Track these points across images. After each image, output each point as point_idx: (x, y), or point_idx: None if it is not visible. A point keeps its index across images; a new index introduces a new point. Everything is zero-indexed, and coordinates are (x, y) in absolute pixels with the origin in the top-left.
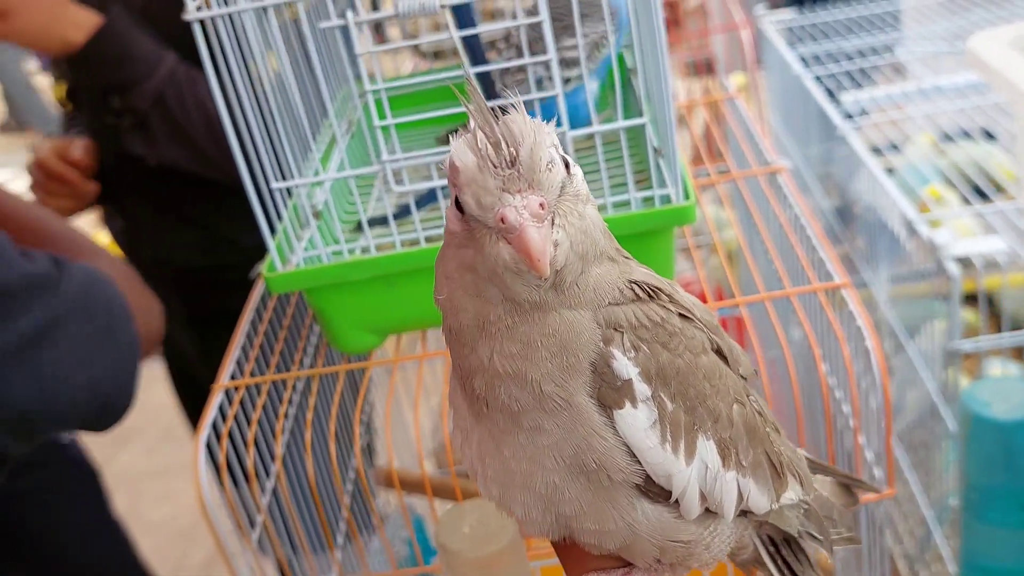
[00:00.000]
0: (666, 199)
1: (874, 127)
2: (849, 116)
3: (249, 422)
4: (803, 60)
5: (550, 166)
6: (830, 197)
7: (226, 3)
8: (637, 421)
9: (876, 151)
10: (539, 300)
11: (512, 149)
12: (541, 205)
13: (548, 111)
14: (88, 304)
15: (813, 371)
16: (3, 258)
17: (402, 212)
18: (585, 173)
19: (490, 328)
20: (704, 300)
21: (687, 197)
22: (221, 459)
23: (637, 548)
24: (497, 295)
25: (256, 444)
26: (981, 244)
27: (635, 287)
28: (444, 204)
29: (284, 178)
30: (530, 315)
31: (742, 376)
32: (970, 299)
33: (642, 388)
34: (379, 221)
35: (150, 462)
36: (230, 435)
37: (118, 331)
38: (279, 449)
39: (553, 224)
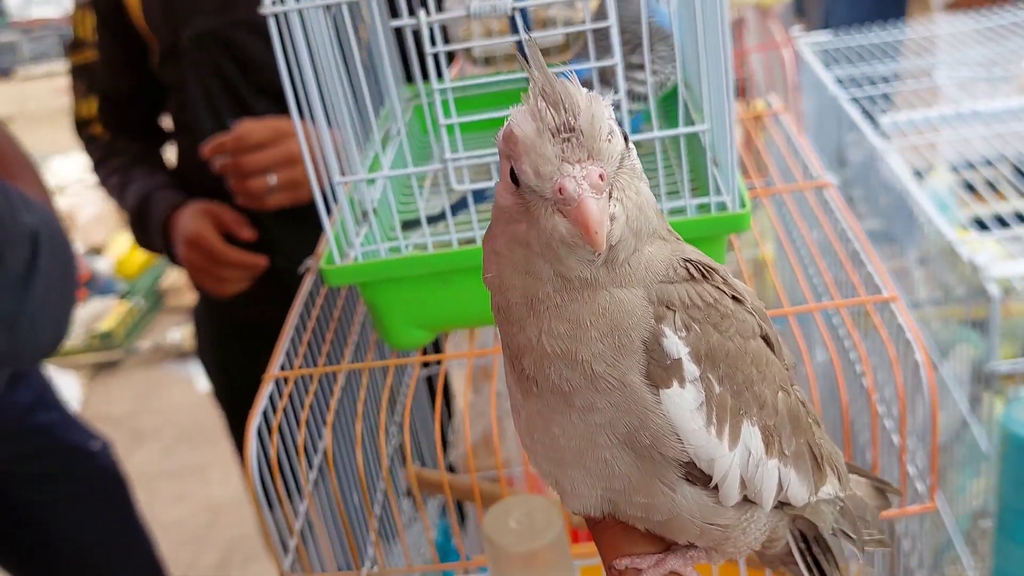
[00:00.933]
0: (721, 206)
1: (912, 149)
2: (886, 137)
3: (297, 413)
4: (839, 81)
5: (610, 136)
6: (863, 218)
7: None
8: (684, 402)
9: (916, 174)
10: (590, 277)
11: (571, 116)
12: (601, 176)
13: None
14: (56, 249)
15: (851, 383)
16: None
17: (455, 208)
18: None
19: (539, 306)
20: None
21: (742, 205)
22: (272, 450)
23: (678, 525)
24: (548, 271)
25: (289, 439)
26: (1022, 266)
27: (689, 266)
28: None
29: (343, 174)
30: (580, 293)
31: (786, 366)
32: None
33: (691, 368)
34: (432, 219)
35: (165, 463)
36: (279, 426)
37: (72, 272)
38: (330, 439)
39: (611, 197)
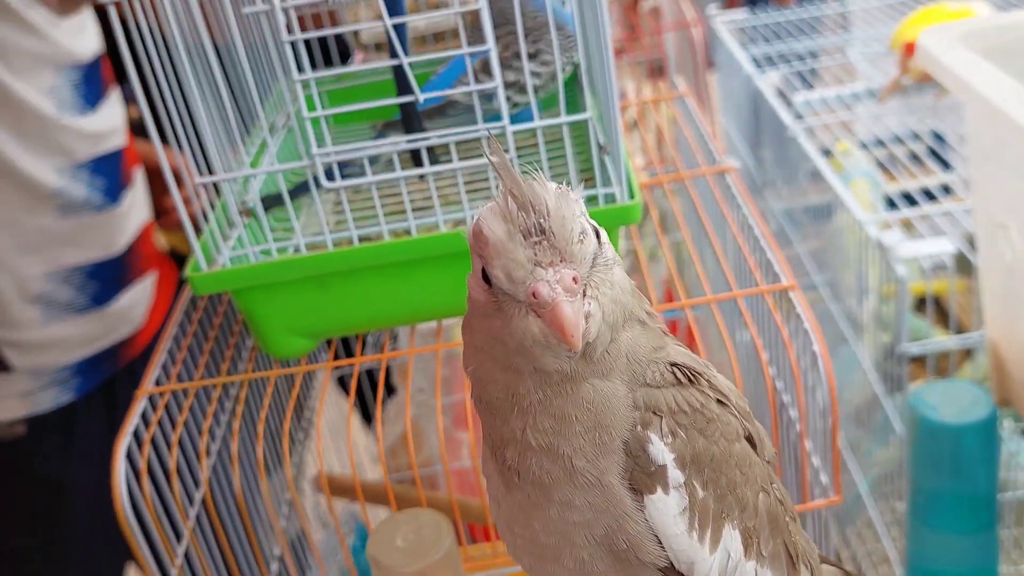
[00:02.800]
0: (610, 198)
1: (825, 128)
2: (800, 116)
3: (175, 428)
4: (755, 61)
5: (582, 237)
6: (781, 199)
7: None
8: (667, 507)
9: (828, 153)
10: (570, 371)
11: (542, 218)
12: (574, 279)
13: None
14: None
15: (760, 375)
16: None
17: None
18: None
19: (522, 401)
20: (651, 302)
21: (632, 196)
22: (142, 467)
23: None
24: (527, 366)
25: (184, 453)
26: (929, 246)
27: (676, 370)
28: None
29: (211, 173)
30: (562, 387)
31: (768, 461)
32: (918, 304)
33: (676, 475)
34: (294, 192)
35: None
36: (154, 444)
37: None
38: (203, 459)
39: (585, 295)
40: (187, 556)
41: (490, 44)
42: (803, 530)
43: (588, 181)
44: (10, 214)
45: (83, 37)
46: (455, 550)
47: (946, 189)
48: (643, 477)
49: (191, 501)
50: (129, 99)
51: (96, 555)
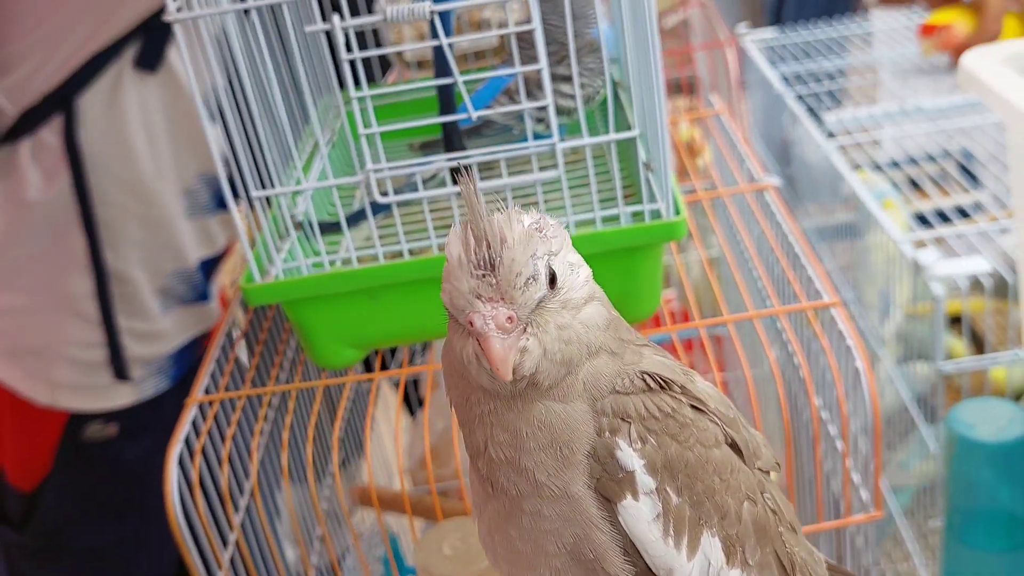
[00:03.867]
0: (656, 214)
1: (857, 147)
2: (831, 135)
3: (224, 439)
4: (784, 79)
5: (529, 282)
6: (809, 217)
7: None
8: (640, 514)
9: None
10: (516, 392)
11: (493, 255)
12: (509, 319)
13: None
14: None
15: (797, 391)
16: None
17: (375, 209)
18: (574, 187)
19: (480, 412)
20: (687, 318)
21: (677, 213)
22: (194, 476)
23: None
24: (473, 381)
25: (230, 461)
26: (966, 265)
27: (646, 377)
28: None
29: (264, 187)
30: (513, 403)
31: (763, 470)
32: (952, 322)
33: (646, 480)
34: (352, 219)
35: None
36: (203, 452)
37: None
38: (254, 466)
39: (525, 331)
40: (232, 562)
41: (543, 63)
42: (807, 543)
43: (631, 197)
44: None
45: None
46: None
47: (977, 207)
48: (612, 484)
49: (236, 508)
50: None
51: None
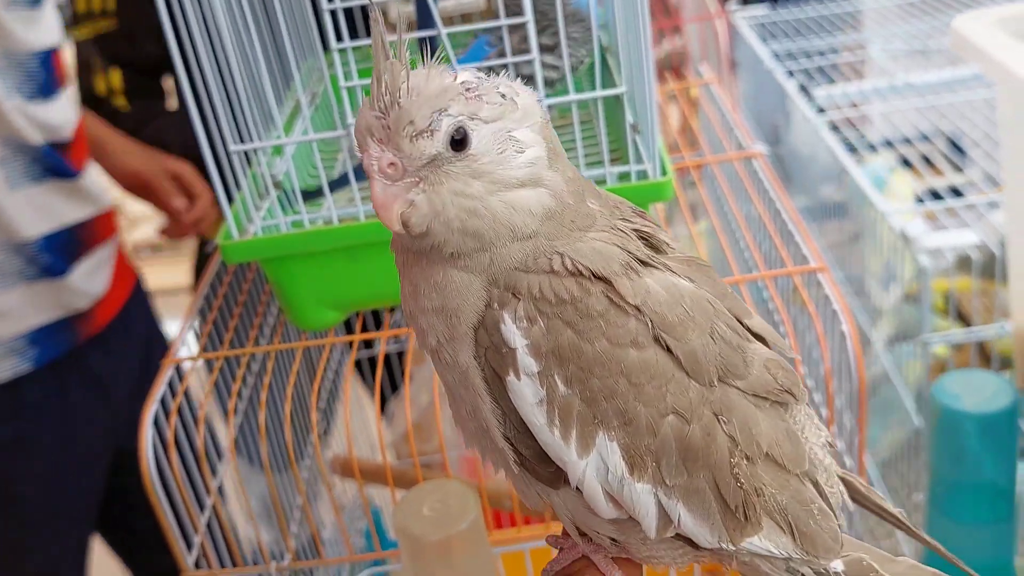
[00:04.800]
0: (642, 175)
1: (846, 123)
2: (821, 110)
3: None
4: (776, 56)
5: (421, 135)
6: (801, 194)
7: None
8: (523, 394)
9: (851, 148)
10: (421, 249)
11: (390, 101)
12: (391, 164)
13: None
14: None
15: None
16: None
17: (359, 174)
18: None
19: (401, 263)
20: None
21: (664, 173)
22: (169, 437)
23: (562, 520)
24: None
25: (208, 424)
26: (953, 238)
27: (557, 258)
28: None
29: (244, 143)
30: (418, 260)
31: (758, 395)
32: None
33: (528, 362)
34: (335, 184)
35: None
36: (180, 413)
37: None
38: (231, 430)
39: (419, 184)
40: (209, 526)
41: (528, 16)
42: (811, 489)
43: (618, 160)
44: None
45: (37, 28)
46: (481, 520)
47: (969, 185)
48: (497, 357)
49: (214, 472)
50: (167, 68)
51: (54, 526)
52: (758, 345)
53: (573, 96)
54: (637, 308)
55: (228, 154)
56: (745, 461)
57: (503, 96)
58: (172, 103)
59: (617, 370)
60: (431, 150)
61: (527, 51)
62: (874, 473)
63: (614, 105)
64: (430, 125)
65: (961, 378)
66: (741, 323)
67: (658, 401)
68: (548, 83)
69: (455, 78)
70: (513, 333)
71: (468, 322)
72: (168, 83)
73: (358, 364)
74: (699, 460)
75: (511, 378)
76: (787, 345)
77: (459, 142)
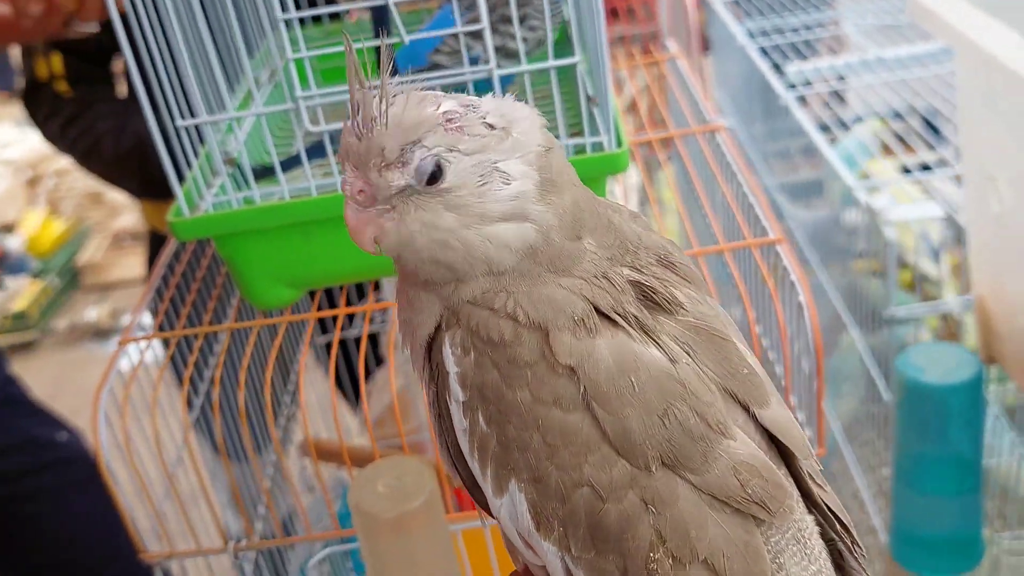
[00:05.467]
0: (598, 147)
1: (816, 97)
2: (792, 86)
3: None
4: (749, 34)
5: (389, 166)
6: (774, 174)
7: None
8: (455, 417)
9: (824, 128)
10: (401, 268)
11: (364, 130)
12: (360, 191)
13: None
14: None
15: (746, 335)
16: None
17: (311, 153)
18: None
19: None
20: None
21: (619, 145)
22: (123, 419)
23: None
24: None
25: (160, 405)
26: (918, 210)
27: (504, 297)
28: None
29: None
30: (403, 275)
31: (706, 492)
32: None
33: (456, 390)
34: (287, 164)
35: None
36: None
37: None
38: (183, 407)
39: (393, 211)
40: (165, 508)
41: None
42: None
43: (576, 136)
44: None
45: None
46: (437, 497)
47: (941, 163)
48: (440, 376)
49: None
50: (110, 53)
51: None
52: (741, 444)
53: (526, 67)
54: (570, 368)
55: (176, 130)
56: (670, 560)
57: (490, 126)
58: (123, 90)
59: (534, 425)
60: (400, 181)
61: (495, 27)
62: (841, 440)
63: (571, 82)
64: (400, 157)
65: (926, 350)
66: (748, 411)
67: (573, 469)
68: (513, 54)
69: (438, 106)
70: (449, 358)
71: (424, 338)
72: (118, 67)
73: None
74: (610, 542)
75: (447, 399)
76: (807, 447)
77: (432, 175)
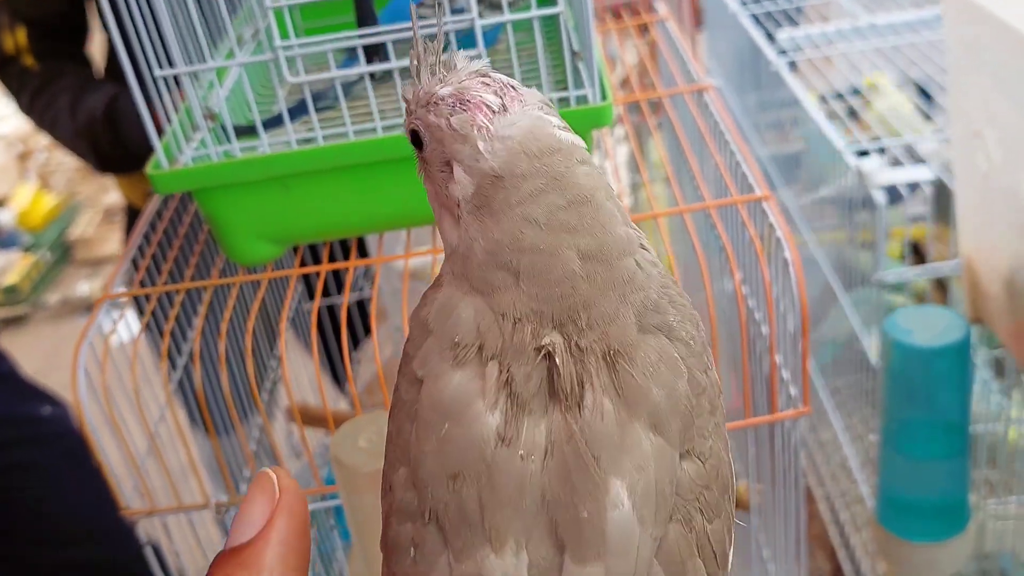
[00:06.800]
0: (582, 100)
1: (809, 64)
2: (783, 52)
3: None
4: (741, 1)
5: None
6: (767, 145)
7: None
8: None
9: (823, 99)
10: None
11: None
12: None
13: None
14: None
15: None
16: None
17: (293, 113)
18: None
19: None
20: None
21: (604, 98)
22: (102, 377)
23: None
24: None
25: (143, 364)
26: (908, 173)
27: (439, 285)
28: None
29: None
30: None
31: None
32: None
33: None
34: (268, 124)
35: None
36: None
37: None
38: (164, 365)
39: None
40: (147, 465)
41: None
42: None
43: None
44: None
45: None
46: None
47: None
48: None
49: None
50: (75, 28)
51: None
52: (497, 565)
53: (508, 16)
54: (420, 380)
55: (155, 80)
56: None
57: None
58: (94, 70)
59: (390, 413)
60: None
61: None
62: (829, 408)
63: (556, 37)
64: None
65: (913, 313)
66: (561, 553)
67: (390, 471)
68: (496, 5)
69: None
70: None
71: None
72: (91, 45)
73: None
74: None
75: None
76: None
77: (414, 139)
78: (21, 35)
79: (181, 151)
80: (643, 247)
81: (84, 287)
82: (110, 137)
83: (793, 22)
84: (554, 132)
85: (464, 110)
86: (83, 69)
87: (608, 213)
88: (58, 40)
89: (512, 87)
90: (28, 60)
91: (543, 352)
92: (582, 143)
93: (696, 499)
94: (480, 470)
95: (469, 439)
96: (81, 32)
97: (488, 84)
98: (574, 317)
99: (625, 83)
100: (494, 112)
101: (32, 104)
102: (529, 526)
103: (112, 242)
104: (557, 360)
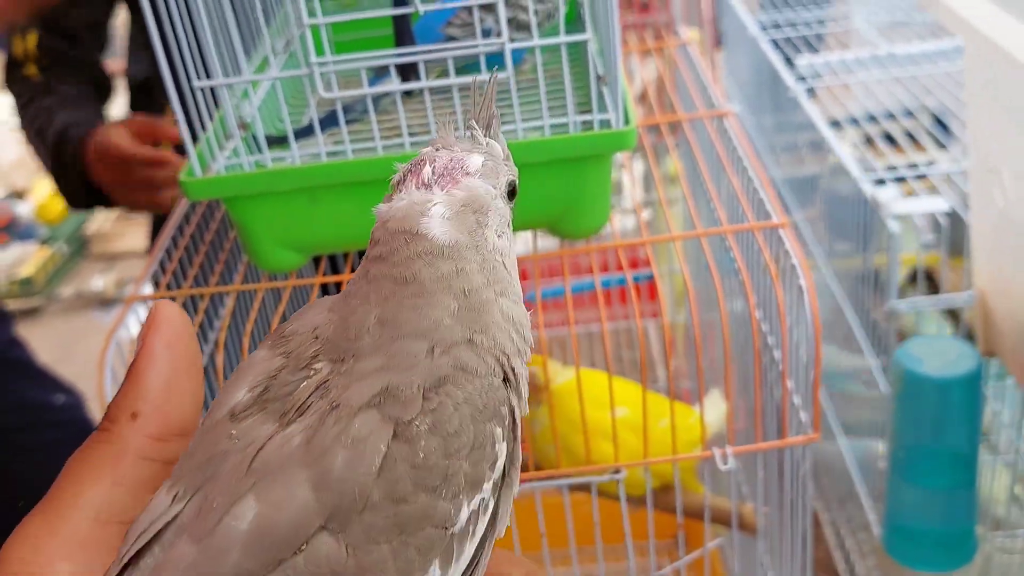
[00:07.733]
0: (605, 124)
1: (827, 91)
2: (802, 79)
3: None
4: (761, 26)
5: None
6: (782, 168)
7: None
8: None
9: (836, 124)
10: None
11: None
12: None
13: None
14: None
15: (747, 319)
16: None
17: (324, 123)
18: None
19: None
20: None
21: (627, 123)
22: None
23: None
24: None
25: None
26: (923, 204)
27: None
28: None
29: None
30: None
31: None
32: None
33: None
34: (300, 133)
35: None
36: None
37: None
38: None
39: None
40: None
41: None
42: None
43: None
44: None
45: None
46: None
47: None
48: None
49: None
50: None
51: None
52: None
53: (537, 41)
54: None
55: (192, 91)
56: None
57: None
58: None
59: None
60: None
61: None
62: (838, 433)
63: (581, 61)
64: None
65: (926, 343)
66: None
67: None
68: (524, 26)
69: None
70: None
71: None
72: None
73: None
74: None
75: None
76: None
77: None
78: (32, 40)
79: (214, 159)
80: (472, 347)
81: (99, 281)
82: (58, 174)
83: (813, 48)
84: (419, 221)
85: (405, 174)
86: (82, 84)
87: (434, 303)
88: (72, 48)
89: (460, 165)
90: (31, 70)
91: (308, 370)
92: (462, 237)
93: None
94: (206, 427)
95: (223, 400)
96: (98, 40)
97: (437, 160)
98: (346, 359)
99: (643, 98)
100: (423, 184)
101: (22, 111)
102: (197, 484)
103: (129, 237)
104: (304, 383)
